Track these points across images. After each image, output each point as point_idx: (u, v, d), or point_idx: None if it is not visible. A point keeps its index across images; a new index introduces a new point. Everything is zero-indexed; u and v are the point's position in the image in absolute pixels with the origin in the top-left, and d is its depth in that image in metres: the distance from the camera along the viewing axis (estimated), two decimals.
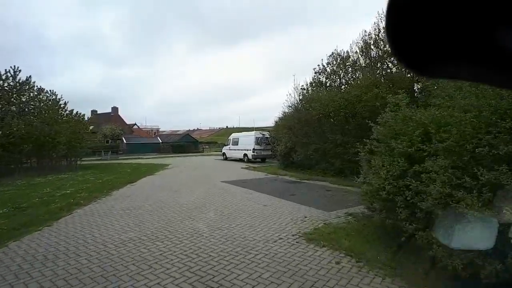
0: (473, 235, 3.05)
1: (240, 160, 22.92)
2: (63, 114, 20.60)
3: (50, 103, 19.36)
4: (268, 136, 22.24)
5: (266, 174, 14.85)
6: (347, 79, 16.95)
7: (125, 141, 49.46)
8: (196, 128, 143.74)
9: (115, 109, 61.64)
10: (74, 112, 21.15)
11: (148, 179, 13.22)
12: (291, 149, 16.09)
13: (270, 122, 22.34)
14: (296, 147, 15.76)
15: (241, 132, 25.78)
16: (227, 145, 25.04)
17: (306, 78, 19.72)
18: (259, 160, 22.28)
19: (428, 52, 0.38)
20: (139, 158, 33.54)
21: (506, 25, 0.33)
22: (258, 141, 21.44)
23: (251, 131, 24.17)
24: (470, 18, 0.34)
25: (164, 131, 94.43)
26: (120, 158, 36.07)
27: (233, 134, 25.34)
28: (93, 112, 67.31)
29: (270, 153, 22.41)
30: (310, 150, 14.23)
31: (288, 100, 25.95)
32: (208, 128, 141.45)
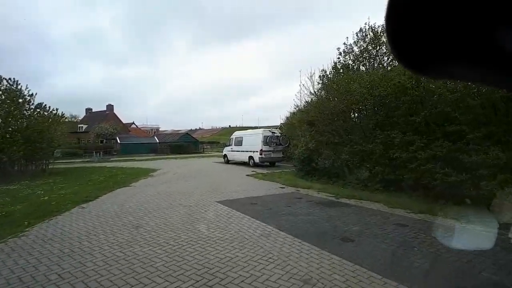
0: None
1: (244, 163, 18.88)
2: (28, 109, 16.70)
3: (6, 94, 15.40)
4: (279, 134, 18.18)
5: (281, 186, 10.76)
6: (386, 61, 12.90)
7: (119, 141, 45.65)
8: (198, 128, 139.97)
9: (110, 107, 57.83)
10: (65, 111, 17.12)
11: (111, 196, 9.17)
12: (314, 152, 12.00)
13: (274, 122, 17.28)
14: (321, 148, 11.67)
15: (245, 130, 21.64)
16: (229, 145, 20.99)
17: (324, 65, 15.24)
18: (267, 163, 18.26)
19: (428, 52, 0.38)
20: (131, 160, 29.72)
21: (506, 25, 0.33)
22: (266, 141, 17.37)
23: (257, 129, 20.02)
24: (470, 18, 0.34)
25: (166, 130, 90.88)
26: (111, 159, 32.28)
27: (236, 132, 21.27)
28: (88, 110, 63.72)
29: (281, 155, 18.35)
30: (344, 153, 10.14)
31: (301, 92, 22.00)
32: (211, 128, 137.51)
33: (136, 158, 34.23)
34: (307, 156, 12.08)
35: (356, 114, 12.06)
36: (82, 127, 56.18)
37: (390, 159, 8.77)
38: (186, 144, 46.47)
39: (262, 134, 17.52)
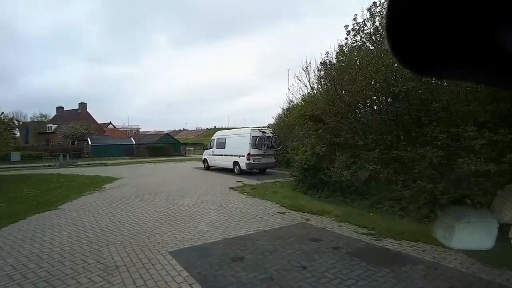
0: None
1: (228, 170, 15.36)
2: None
3: None
4: (271, 135, 14.77)
5: (280, 210, 7.34)
6: None
7: (90, 143, 41.16)
8: (182, 129, 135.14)
9: (83, 105, 52.99)
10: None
11: None
12: (323, 158, 8.65)
13: (261, 123, 13.44)
14: (334, 154, 8.35)
15: (230, 130, 18.06)
16: (210, 147, 17.42)
17: (315, 59, 11.71)
18: (257, 170, 14.84)
19: (428, 52, 0.38)
20: (100, 164, 25.78)
21: (506, 25, 0.33)
22: (256, 143, 13.92)
23: (244, 128, 16.44)
24: (470, 18, 0.34)
25: (148, 131, 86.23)
26: (77, 164, 28.11)
27: (218, 132, 17.70)
28: (59, 109, 58.49)
29: (273, 160, 14.95)
30: (369, 160, 6.85)
31: (296, 86, 18.69)
32: (195, 129, 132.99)
33: (108, 161, 30.21)
34: (313, 164, 8.71)
35: (376, 107, 8.83)
36: (51, 127, 51.15)
37: (448, 169, 5.54)
38: (166, 146, 42.53)
39: (250, 134, 14.07)
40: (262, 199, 8.64)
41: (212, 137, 17.48)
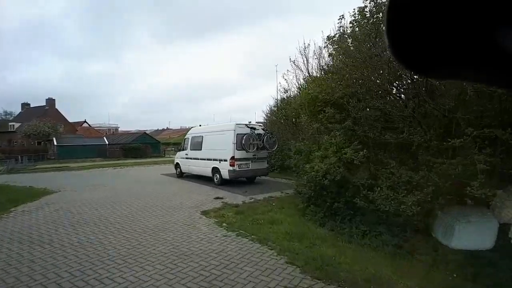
0: None
1: (207, 179, 11.66)
2: None
3: None
4: (262, 132, 11.13)
5: (291, 273, 3.73)
6: None
7: (55, 143, 36.48)
8: (165, 128, 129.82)
9: (51, 101, 47.78)
10: None
11: None
12: (355, 170, 5.08)
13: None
14: (377, 162, 4.80)
15: (208, 126, 14.14)
16: (183, 149, 13.64)
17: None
18: (244, 179, 11.22)
19: (428, 52, 0.38)
20: (60, 168, 21.64)
21: (506, 25, 0.33)
22: (243, 143, 10.23)
23: (227, 123, 12.51)
24: (470, 18, 0.34)
25: (130, 130, 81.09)
26: (34, 168, 23.80)
27: (193, 129, 13.86)
28: (24, 105, 52.95)
29: (265, 166, 11.35)
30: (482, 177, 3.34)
31: (290, 73, 15.17)
32: (179, 128, 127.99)
33: (71, 165, 25.92)
34: (340, 178, 5.13)
35: None
36: (13, 125, 45.82)
37: None
38: (143, 146, 38.32)
39: (235, 131, 10.38)
40: (253, 239, 5.03)
41: (186, 135, 13.68)
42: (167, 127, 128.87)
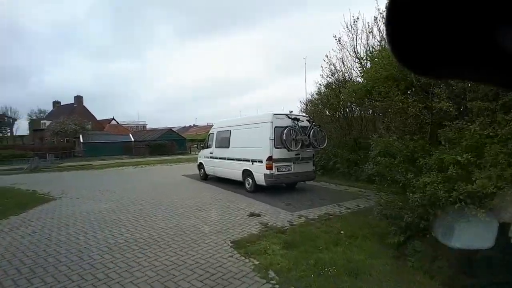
0: None
1: (237, 183, 9.33)
2: None
3: None
4: (308, 124, 8.55)
5: None
6: None
7: (82, 140, 36.04)
8: (192, 125, 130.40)
9: (79, 99, 47.94)
10: None
11: None
12: None
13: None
14: None
15: (237, 118, 11.52)
16: (207, 146, 11.43)
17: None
18: (283, 184, 8.75)
19: (428, 52, 0.38)
20: (81, 167, 20.56)
21: (506, 25, 0.32)
22: (283, 139, 7.68)
23: (261, 114, 9.82)
24: (470, 18, 0.33)
25: (157, 128, 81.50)
26: (58, 166, 22.86)
27: (219, 121, 11.52)
28: (55, 103, 53.75)
29: (311, 168, 8.80)
30: None
31: (335, 53, 12.38)
32: (206, 124, 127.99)
33: (94, 163, 24.88)
34: None
35: None
36: (45, 123, 46.40)
37: None
38: (168, 143, 37.01)
39: (272, 123, 7.90)
40: None
41: (211, 130, 11.37)
42: (193, 124, 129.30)
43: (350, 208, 6.64)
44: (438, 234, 3.27)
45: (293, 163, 8.21)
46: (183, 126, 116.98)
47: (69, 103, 49.77)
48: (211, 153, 10.80)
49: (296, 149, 7.88)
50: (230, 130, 9.69)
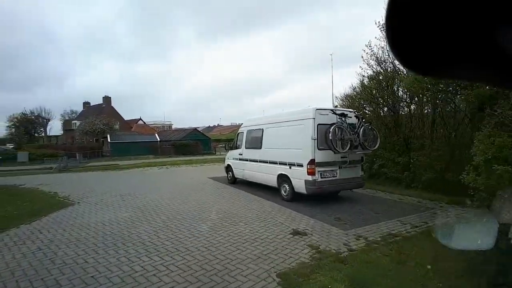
0: None
1: (271, 189, 8.21)
2: None
3: None
4: (357, 121, 7.23)
5: None
6: None
7: (109, 140, 36.47)
8: (216, 125, 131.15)
9: (107, 99, 48.93)
10: None
11: None
12: None
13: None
14: None
15: (269, 115, 10.25)
16: (236, 146, 10.35)
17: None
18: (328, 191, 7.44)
19: (428, 52, 0.38)
20: (106, 167, 20.42)
21: (506, 25, 0.32)
22: (330, 138, 6.42)
23: (301, 109, 8.49)
24: (470, 18, 0.33)
25: (183, 128, 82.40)
26: (86, 166, 22.99)
27: (248, 119, 10.21)
28: (85, 104, 55.29)
29: (359, 173, 7.48)
30: None
31: (374, 47, 10.93)
32: (230, 124, 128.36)
33: (120, 163, 24.80)
34: None
35: None
36: (75, 123, 47.75)
37: None
38: (193, 143, 36.62)
39: (314, 119, 6.68)
40: None
41: (240, 129, 10.30)
42: (218, 124, 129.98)
43: (417, 226, 5.30)
44: None
45: (339, 167, 6.94)
46: (207, 126, 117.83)
47: (98, 103, 50.99)
48: (240, 154, 9.75)
49: (344, 151, 6.61)
50: (263, 129, 8.57)
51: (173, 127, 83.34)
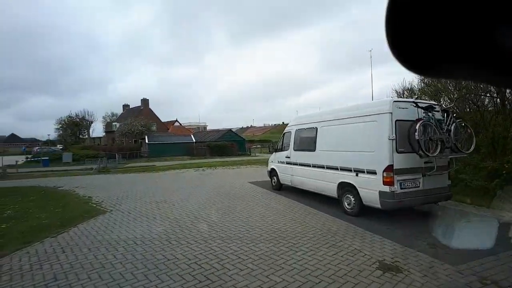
0: None
1: (329, 199, 6.85)
2: None
3: None
4: (446, 116, 5.64)
5: None
6: None
7: (147, 141, 36.98)
8: (249, 126, 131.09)
9: (145, 101, 50.08)
10: None
11: None
12: None
13: None
14: None
15: (322, 111, 8.87)
16: (282, 148, 9.07)
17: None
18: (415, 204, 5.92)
19: (428, 51, 0.37)
20: (144, 169, 20.36)
21: (506, 24, 0.32)
22: (417, 138, 4.92)
23: (374, 102, 7.12)
24: (470, 17, 0.33)
25: (217, 129, 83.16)
26: (123, 167, 23.12)
27: (298, 117, 8.76)
28: (125, 106, 57.20)
29: (446, 182, 5.85)
30: None
31: None
32: (263, 125, 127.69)
33: (157, 164, 24.74)
34: None
35: None
36: (116, 125, 49.45)
37: None
38: (228, 143, 35.99)
39: (391, 114, 5.24)
40: None
41: (287, 129, 8.99)
42: (251, 125, 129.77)
43: None
44: None
45: (422, 175, 5.41)
46: (241, 127, 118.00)
47: (136, 105, 52.47)
48: (287, 157, 8.47)
49: (435, 154, 5.07)
50: (316, 128, 7.21)
51: (208, 128, 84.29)
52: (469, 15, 0.33)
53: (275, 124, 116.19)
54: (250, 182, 11.29)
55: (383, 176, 5.20)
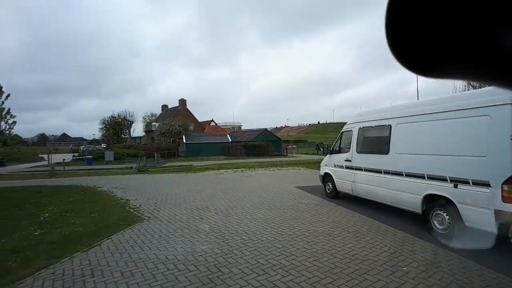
0: None
1: (408, 215, 5.52)
2: None
3: None
4: None
5: None
6: None
7: (184, 141, 37.19)
8: (284, 125, 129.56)
9: (182, 102, 50.77)
10: None
11: None
12: None
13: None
14: None
15: (402, 105, 7.53)
16: (338, 149, 7.81)
17: None
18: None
19: (428, 51, 0.37)
20: (181, 169, 20.14)
21: (506, 24, 0.32)
22: None
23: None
24: (470, 16, 0.33)
25: (252, 128, 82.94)
26: (161, 166, 23.16)
27: (361, 113, 7.31)
28: (163, 107, 58.58)
29: None
30: None
31: None
32: (297, 125, 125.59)
33: (194, 163, 24.48)
34: None
35: None
36: (155, 125, 50.69)
37: None
38: (264, 143, 35.01)
39: (511, 105, 3.85)
40: None
41: (346, 127, 7.68)
42: (285, 125, 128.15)
43: None
44: None
45: None
46: (275, 126, 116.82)
47: (174, 106, 53.46)
48: (347, 160, 7.19)
49: None
50: (390, 125, 5.88)
51: (242, 128, 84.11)
52: (469, 15, 0.32)
53: (310, 124, 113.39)
54: (296, 187, 10.12)
55: (502, 190, 3.79)
